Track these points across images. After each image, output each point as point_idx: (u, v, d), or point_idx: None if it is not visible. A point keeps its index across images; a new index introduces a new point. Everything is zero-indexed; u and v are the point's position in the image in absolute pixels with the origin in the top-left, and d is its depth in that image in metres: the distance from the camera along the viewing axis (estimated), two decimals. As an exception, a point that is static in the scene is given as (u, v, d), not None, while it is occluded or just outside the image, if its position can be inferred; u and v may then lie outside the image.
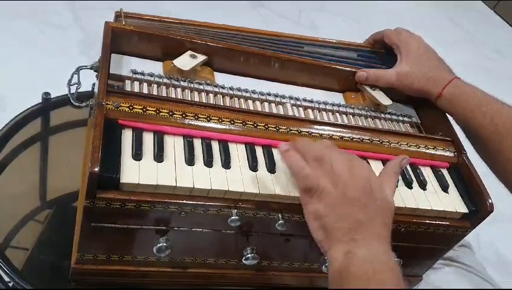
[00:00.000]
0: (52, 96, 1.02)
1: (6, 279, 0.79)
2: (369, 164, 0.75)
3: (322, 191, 0.59)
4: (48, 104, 1.01)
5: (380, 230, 0.59)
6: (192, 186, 0.62)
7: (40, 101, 1.01)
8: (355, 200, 0.58)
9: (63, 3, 2.10)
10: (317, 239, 0.60)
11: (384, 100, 0.86)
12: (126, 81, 0.73)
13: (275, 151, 0.70)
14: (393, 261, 0.58)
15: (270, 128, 0.72)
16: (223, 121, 0.69)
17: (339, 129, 0.77)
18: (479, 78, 0.94)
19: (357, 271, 0.55)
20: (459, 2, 3.21)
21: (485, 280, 0.91)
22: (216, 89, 0.77)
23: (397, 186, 0.73)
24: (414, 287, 0.90)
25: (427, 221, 0.74)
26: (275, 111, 0.79)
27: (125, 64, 0.75)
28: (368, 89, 0.87)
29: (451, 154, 0.82)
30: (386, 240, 0.59)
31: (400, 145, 0.79)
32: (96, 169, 0.57)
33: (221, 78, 0.80)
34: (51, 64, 1.75)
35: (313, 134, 0.74)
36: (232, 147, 0.68)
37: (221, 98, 0.77)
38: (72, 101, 0.72)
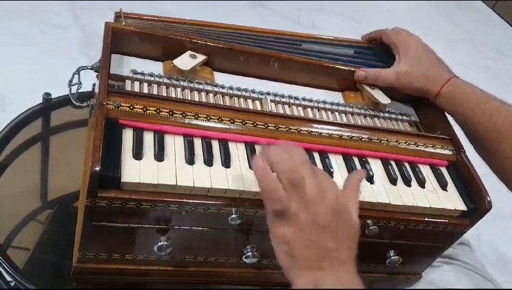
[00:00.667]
0: (52, 97, 1.02)
1: (8, 278, 0.79)
2: (368, 163, 0.75)
3: (293, 215, 0.56)
4: (49, 105, 1.01)
5: (346, 256, 0.57)
6: (192, 185, 0.62)
7: (41, 102, 1.02)
8: (325, 227, 0.56)
9: (63, 3, 2.10)
10: (283, 265, 0.58)
11: (383, 99, 0.86)
12: (126, 81, 0.73)
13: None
14: (359, 285, 0.57)
15: (270, 127, 0.72)
16: (223, 120, 0.70)
17: (338, 128, 0.77)
18: (479, 77, 0.94)
19: None
20: (459, 2, 3.21)
21: (485, 277, 0.92)
22: (216, 89, 0.78)
23: (394, 184, 0.74)
24: (413, 286, 0.91)
25: (426, 219, 0.75)
26: (274, 110, 0.79)
27: (126, 65, 0.76)
28: (367, 88, 0.87)
29: (450, 153, 0.82)
30: (352, 264, 0.58)
31: (399, 143, 0.80)
32: (97, 168, 0.57)
33: (221, 78, 0.81)
34: (51, 64, 1.75)
35: (312, 133, 0.74)
36: (232, 146, 0.69)
37: (221, 98, 0.77)
38: (73, 101, 0.73)
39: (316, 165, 0.72)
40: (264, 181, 0.58)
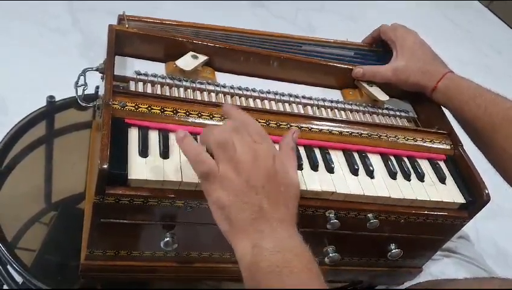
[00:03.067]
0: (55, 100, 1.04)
1: (17, 277, 0.80)
2: (368, 158, 0.77)
3: (224, 178, 0.57)
4: (53, 107, 1.03)
5: (284, 215, 0.58)
6: (197, 182, 0.63)
7: (43, 104, 1.03)
8: (258, 187, 0.57)
9: (62, 5, 2.11)
10: (222, 230, 0.58)
11: (381, 96, 0.88)
12: (130, 82, 0.75)
13: (276, 147, 0.72)
14: (299, 246, 0.57)
15: (271, 125, 0.74)
16: (225, 118, 0.71)
17: (338, 124, 0.79)
18: (476, 74, 0.96)
19: (267, 265, 0.54)
20: (455, 2, 3.23)
21: (484, 270, 0.93)
22: (217, 88, 0.79)
23: (394, 179, 0.76)
24: (414, 279, 0.92)
25: (426, 212, 0.76)
26: (275, 108, 0.80)
27: (129, 66, 0.77)
28: (365, 85, 0.89)
29: (448, 147, 0.84)
30: (291, 224, 0.58)
31: (398, 139, 0.81)
32: (106, 166, 0.59)
33: (222, 78, 0.82)
34: (50, 67, 1.77)
35: (312, 129, 0.76)
36: (235, 143, 0.70)
37: (223, 97, 0.79)
38: (79, 102, 0.74)
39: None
40: (186, 146, 0.59)
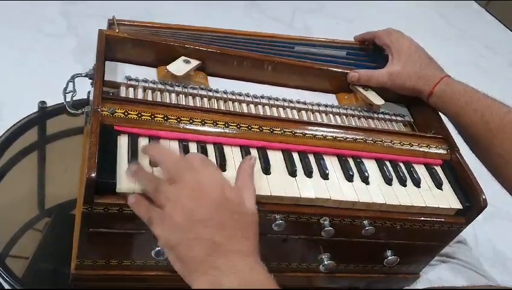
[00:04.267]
0: (48, 105, 1.03)
1: (7, 287, 0.79)
2: (363, 164, 0.76)
3: (166, 218, 0.54)
4: (44, 113, 1.02)
5: (242, 246, 0.54)
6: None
7: (36, 110, 1.02)
8: (206, 221, 0.54)
9: (57, 9, 2.11)
10: (180, 273, 0.55)
11: (377, 100, 0.87)
12: (121, 87, 0.74)
13: (269, 153, 0.71)
14: (263, 278, 0.53)
15: (265, 131, 0.73)
16: (218, 124, 0.70)
17: (332, 130, 0.78)
18: (472, 74, 0.95)
19: None
20: (452, 2, 3.23)
21: (482, 275, 0.92)
22: (210, 93, 0.78)
23: (390, 184, 0.75)
24: (411, 285, 0.91)
25: (422, 218, 0.75)
26: (268, 113, 0.79)
27: (120, 71, 0.76)
28: (360, 89, 0.88)
29: (444, 152, 0.83)
30: (252, 255, 0.55)
31: (393, 144, 0.80)
32: (93, 175, 0.57)
33: (214, 83, 0.81)
34: (45, 72, 1.76)
35: (306, 135, 0.75)
36: (227, 149, 0.69)
37: (216, 102, 0.78)
38: (68, 108, 0.73)
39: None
40: (132, 206, 0.59)
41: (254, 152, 0.70)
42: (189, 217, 0.54)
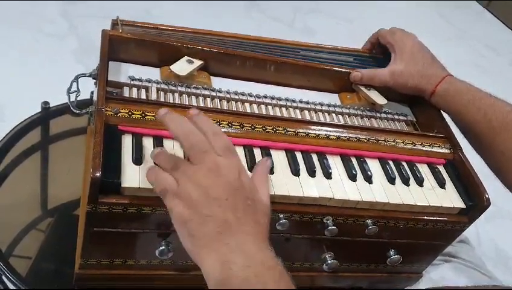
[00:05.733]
0: (50, 105, 1.03)
1: (12, 287, 0.79)
2: (366, 163, 0.76)
3: (183, 192, 0.55)
4: (47, 113, 1.02)
5: (253, 229, 0.55)
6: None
7: (39, 110, 1.02)
8: (221, 199, 0.54)
9: (58, 10, 2.11)
10: (187, 249, 0.55)
11: (380, 100, 0.87)
12: (124, 87, 0.74)
13: (273, 153, 0.71)
14: (271, 259, 0.54)
15: (268, 130, 0.73)
16: (221, 124, 0.70)
17: (335, 129, 0.78)
18: (474, 75, 0.95)
19: (238, 281, 0.51)
20: (453, 2, 3.23)
21: (485, 274, 0.92)
22: (213, 93, 0.78)
23: (393, 184, 0.75)
24: (414, 285, 0.91)
25: (425, 217, 0.75)
26: (271, 113, 0.80)
27: (123, 71, 0.76)
28: (363, 89, 0.88)
29: (447, 151, 0.83)
30: (261, 237, 0.55)
31: (396, 143, 0.80)
32: (98, 174, 0.58)
33: (217, 83, 0.82)
34: (47, 73, 1.76)
35: (310, 134, 0.75)
36: (231, 149, 0.69)
37: (219, 102, 0.78)
38: (72, 108, 0.73)
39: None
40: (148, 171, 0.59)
41: (257, 152, 0.70)
42: (205, 194, 0.54)
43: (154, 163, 0.61)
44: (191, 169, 0.56)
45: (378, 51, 0.96)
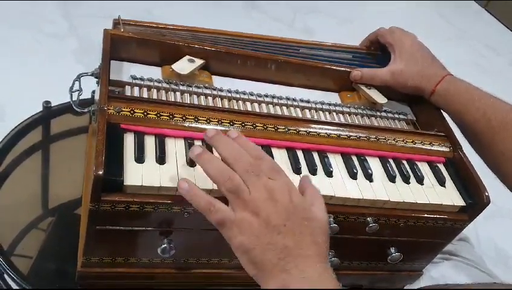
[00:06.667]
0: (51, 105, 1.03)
1: (14, 286, 0.79)
2: (366, 161, 0.76)
3: (242, 222, 0.56)
4: (49, 113, 1.02)
5: (311, 251, 0.56)
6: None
7: (40, 110, 1.02)
8: (280, 226, 0.55)
9: (58, 10, 2.11)
10: (251, 274, 0.57)
11: (380, 99, 0.87)
12: (126, 86, 0.74)
13: (274, 151, 0.71)
14: (329, 283, 0.55)
15: (269, 129, 0.73)
16: (223, 122, 0.71)
17: (336, 128, 0.78)
18: (473, 74, 0.95)
19: None
20: (452, 2, 3.24)
21: (484, 272, 0.92)
22: (214, 92, 0.78)
23: (393, 182, 0.75)
24: (415, 283, 0.91)
25: (426, 215, 0.76)
26: (272, 112, 0.80)
27: (125, 70, 0.76)
28: (363, 88, 0.88)
29: (447, 149, 0.83)
30: (320, 260, 0.56)
31: (397, 142, 0.81)
32: (101, 172, 0.58)
33: (219, 81, 0.82)
34: (47, 72, 1.76)
35: (310, 133, 0.75)
36: (232, 147, 0.69)
37: (220, 101, 0.78)
38: (74, 107, 0.73)
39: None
40: (196, 198, 0.58)
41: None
42: (265, 222, 0.55)
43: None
44: (248, 197, 0.56)
45: (376, 48, 0.97)
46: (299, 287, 0.53)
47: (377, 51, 0.97)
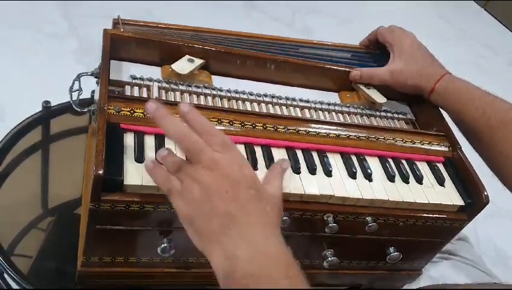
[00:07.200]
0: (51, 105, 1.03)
1: (13, 285, 0.79)
2: (366, 161, 0.76)
3: (185, 192, 0.55)
4: (48, 112, 1.02)
5: (259, 219, 0.55)
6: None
7: (40, 110, 1.02)
8: (220, 193, 0.54)
9: (58, 10, 2.11)
10: (196, 246, 0.56)
11: (379, 98, 0.87)
12: (126, 86, 0.74)
13: (273, 151, 0.72)
14: (278, 249, 0.53)
15: (269, 128, 0.73)
16: (222, 122, 0.71)
17: (335, 127, 0.78)
18: (472, 74, 0.96)
19: (242, 275, 0.51)
20: (452, 2, 3.24)
21: (484, 272, 0.93)
22: (214, 92, 0.79)
23: (392, 181, 0.75)
24: (414, 283, 0.91)
25: (425, 215, 0.76)
26: (272, 112, 0.80)
27: (125, 70, 0.77)
28: (363, 87, 0.88)
29: (446, 149, 0.83)
30: (268, 225, 0.55)
31: (396, 141, 0.81)
32: (101, 172, 0.58)
33: (218, 81, 0.82)
34: (47, 72, 1.76)
35: (310, 133, 0.75)
36: (232, 147, 0.70)
37: (219, 101, 0.78)
38: (74, 107, 0.73)
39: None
40: (155, 172, 0.59)
41: (258, 150, 0.71)
42: (205, 190, 0.54)
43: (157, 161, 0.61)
44: (191, 168, 0.56)
45: (375, 47, 0.97)
46: (243, 252, 0.52)
47: (376, 50, 0.97)
